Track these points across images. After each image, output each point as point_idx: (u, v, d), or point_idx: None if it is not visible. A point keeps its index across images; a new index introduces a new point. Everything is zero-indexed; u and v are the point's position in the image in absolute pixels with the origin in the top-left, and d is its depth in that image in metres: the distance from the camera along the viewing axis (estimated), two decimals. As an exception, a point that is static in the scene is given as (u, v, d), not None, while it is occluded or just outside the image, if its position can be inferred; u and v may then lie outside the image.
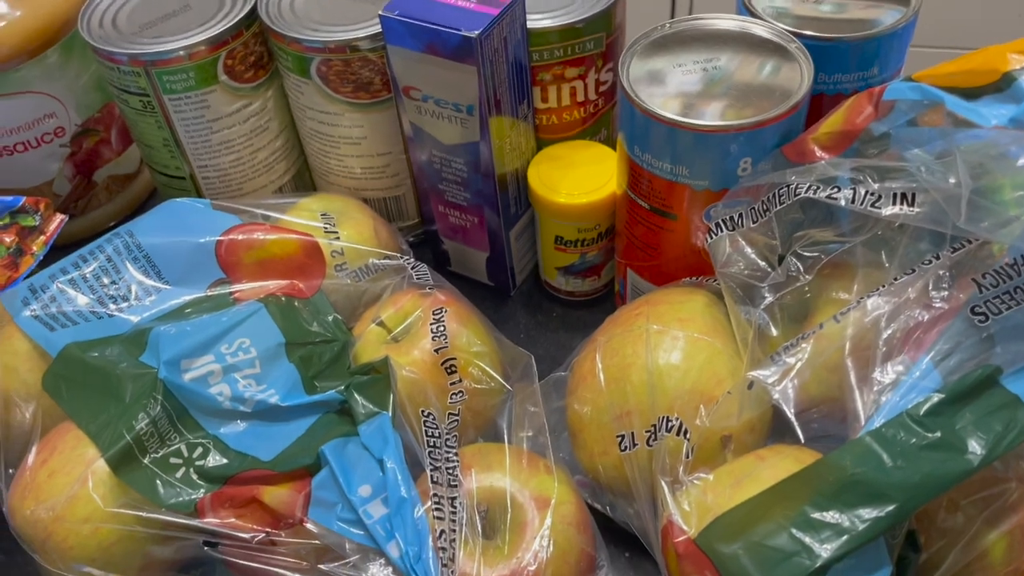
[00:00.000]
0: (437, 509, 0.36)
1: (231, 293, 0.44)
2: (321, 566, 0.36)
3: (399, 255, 0.47)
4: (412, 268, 0.46)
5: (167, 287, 0.44)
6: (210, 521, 0.37)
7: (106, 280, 0.43)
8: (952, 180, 0.31)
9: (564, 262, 0.53)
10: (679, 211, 0.42)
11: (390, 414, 0.39)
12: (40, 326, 0.42)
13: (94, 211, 0.62)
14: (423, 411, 0.40)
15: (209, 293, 0.44)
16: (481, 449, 0.40)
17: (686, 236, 0.43)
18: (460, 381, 0.42)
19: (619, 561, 0.42)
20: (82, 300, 0.43)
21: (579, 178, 0.49)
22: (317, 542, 0.36)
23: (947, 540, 0.33)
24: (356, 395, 0.40)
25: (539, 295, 0.57)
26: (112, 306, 0.43)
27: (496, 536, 0.36)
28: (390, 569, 0.35)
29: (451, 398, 0.42)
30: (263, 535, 0.37)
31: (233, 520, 0.37)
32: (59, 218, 0.51)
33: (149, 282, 0.44)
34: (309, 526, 0.36)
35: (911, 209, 0.33)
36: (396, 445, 0.37)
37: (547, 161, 0.51)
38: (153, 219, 0.47)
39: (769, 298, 0.37)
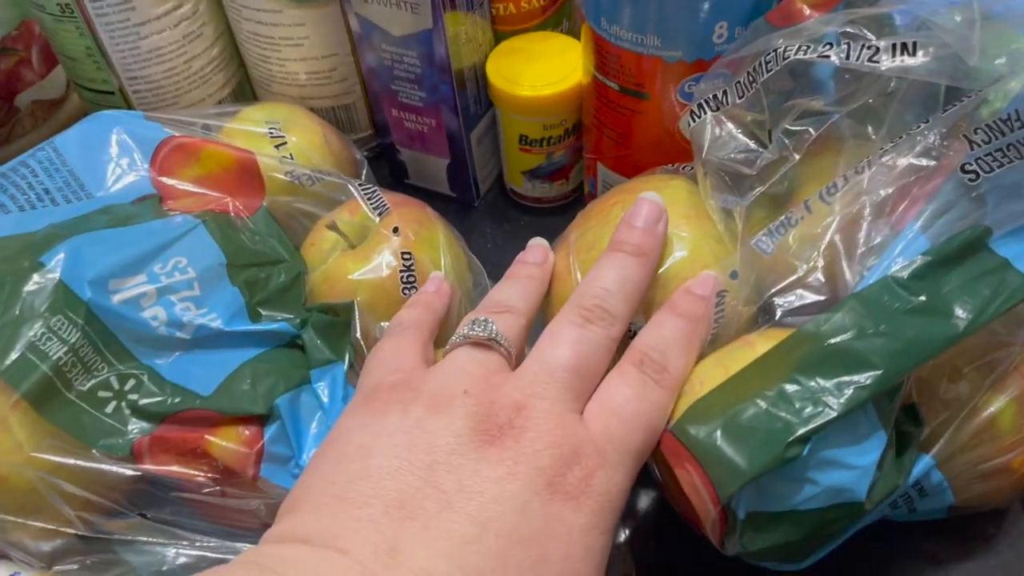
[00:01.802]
0: None
1: (159, 200, 0.40)
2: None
3: (343, 176, 0.43)
4: (363, 191, 0.41)
5: (91, 201, 0.39)
6: (149, 468, 0.33)
7: (24, 185, 0.39)
8: (959, 18, 0.29)
9: (530, 164, 0.50)
10: (651, 89, 0.39)
11: (346, 366, 0.36)
12: None
13: (19, 139, 0.57)
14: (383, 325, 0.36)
15: (136, 201, 0.40)
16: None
17: (659, 118, 0.40)
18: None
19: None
20: None
21: (542, 70, 0.46)
22: (272, 499, 0.33)
23: (951, 411, 0.31)
24: (315, 335, 0.36)
25: (505, 204, 0.54)
26: (25, 204, 0.38)
27: None
28: None
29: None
30: (213, 487, 0.34)
31: (177, 468, 0.34)
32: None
33: (70, 192, 0.40)
34: (261, 485, 0.33)
35: (913, 60, 0.30)
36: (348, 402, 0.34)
37: (507, 54, 0.47)
38: (78, 132, 0.43)
39: (759, 188, 0.34)
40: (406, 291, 0.38)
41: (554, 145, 0.48)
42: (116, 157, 0.41)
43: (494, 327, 0.30)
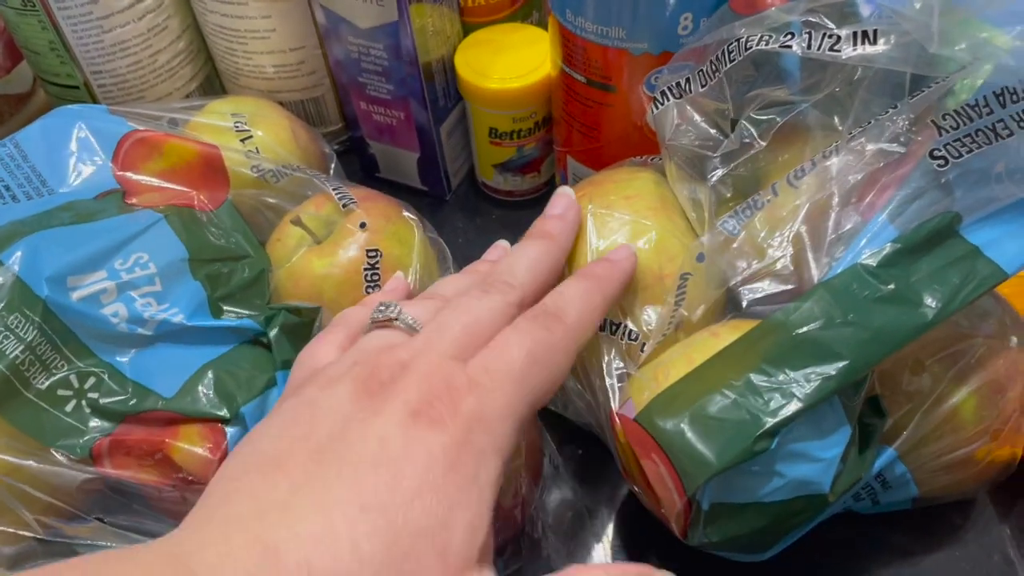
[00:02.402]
0: None
1: (122, 195, 0.39)
2: None
3: (310, 171, 0.42)
4: (330, 185, 0.41)
5: (52, 197, 0.39)
6: (108, 472, 0.33)
7: None
8: (918, 5, 0.29)
9: (501, 158, 0.49)
10: (618, 81, 0.39)
11: None
12: None
13: (-16, 135, 0.56)
14: None
15: (98, 196, 0.39)
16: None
17: (627, 111, 0.40)
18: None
19: (573, 458, 0.40)
20: None
21: (511, 62, 0.46)
22: None
23: (914, 403, 0.31)
24: (283, 336, 0.36)
25: (476, 197, 0.54)
26: None
27: None
28: None
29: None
30: (170, 489, 0.33)
31: (136, 473, 0.33)
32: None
33: (31, 188, 0.39)
34: None
35: (874, 48, 0.30)
36: None
37: (475, 46, 0.47)
38: (40, 127, 0.42)
39: (721, 170, 0.34)
40: (370, 288, 0.38)
41: (524, 138, 0.48)
42: (78, 152, 0.40)
43: (398, 308, 0.30)
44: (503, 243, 0.37)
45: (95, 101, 0.50)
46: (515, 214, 0.52)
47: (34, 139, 0.41)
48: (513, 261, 0.32)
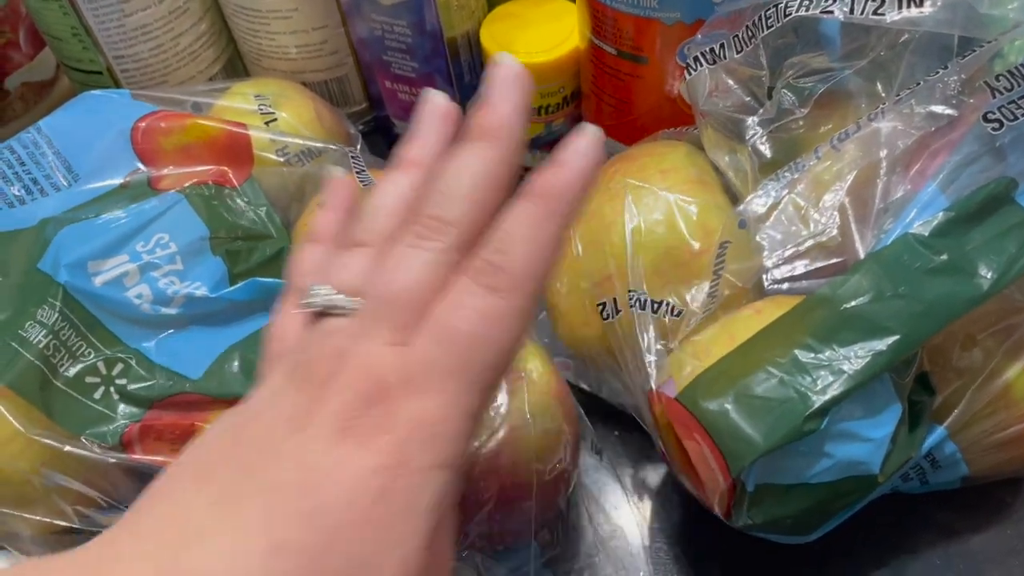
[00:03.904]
0: None
1: (148, 180, 0.39)
2: None
3: (337, 143, 0.42)
4: (352, 157, 0.40)
5: (78, 184, 0.39)
6: (141, 458, 0.32)
7: (11, 175, 0.38)
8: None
9: (529, 134, 0.48)
10: (650, 52, 0.38)
11: None
12: None
13: (10, 123, 0.56)
14: None
15: (124, 181, 0.39)
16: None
17: (659, 83, 0.39)
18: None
19: (608, 439, 0.39)
20: None
21: (538, 36, 0.45)
22: None
23: (964, 379, 0.30)
24: None
25: (504, 176, 0.53)
26: (14, 199, 0.38)
27: None
28: None
29: None
30: None
31: (167, 458, 0.32)
32: (-35, 128, 0.45)
33: (59, 176, 0.39)
34: None
35: (920, 10, 0.29)
36: None
37: (501, 20, 0.46)
38: (65, 113, 0.42)
39: (759, 131, 0.33)
40: None
41: (553, 113, 0.47)
42: (102, 137, 0.40)
43: (326, 295, 0.25)
44: (437, 103, 0.28)
45: (118, 86, 0.49)
46: (543, 192, 0.51)
47: (59, 126, 0.40)
48: (451, 183, 0.25)
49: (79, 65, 0.49)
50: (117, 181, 0.39)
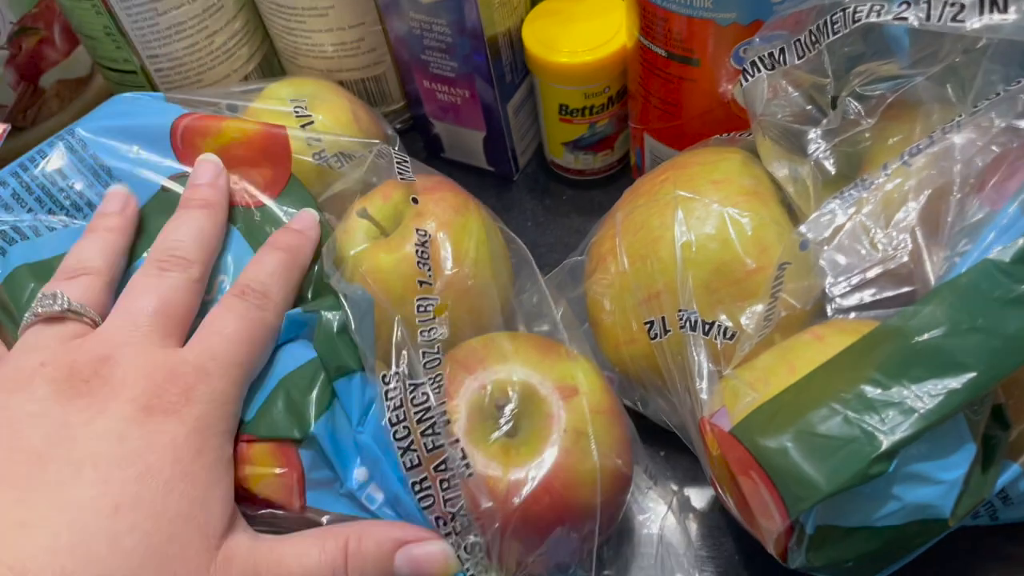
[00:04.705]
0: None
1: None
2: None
3: (374, 141, 0.40)
4: (382, 157, 0.38)
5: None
6: None
7: (52, 187, 0.38)
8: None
9: (571, 135, 0.47)
10: (702, 55, 0.35)
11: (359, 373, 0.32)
12: None
13: (45, 121, 0.55)
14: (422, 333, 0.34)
15: (164, 185, 0.38)
16: (491, 340, 0.35)
17: (711, 86, 0.37)
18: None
19: (655, 460, 0.38)
20: (29, 213, 0.38)
21: (582, 33, 0.43)
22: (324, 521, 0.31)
23: (1043, 413, 0.28)
24: (335, 338, 0.33)
25: (546, 177, 0.51)
26: (63, 216, 0.38)
27: (518, 433, 0.31)
28: None
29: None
30: (264, 512, 0.31)
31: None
32: (1, 127, 0.45)
33: (100, 185, 0.38)
34: (310, 515, 0.31)
35: (1003, 17, 0.26)
36: (374, 418, 0.31)
37: (544, 17, 0.44)
38: (98, 116, 0.41)
39: (822, 144, 0.31)
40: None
41: (597, 114, 0.45)
42: (139, 140, 0.39)
43: (66, 299, 0.30)
44: (122, 189, 0.37)
45: (152, 85, 0.48)
46: (586, 194, 0.50)
47: (93, 130, 0.40)
48: (180, 235, 0.33)
49: (113, 65, 0.48)
50: (158, 185, 0.38)
